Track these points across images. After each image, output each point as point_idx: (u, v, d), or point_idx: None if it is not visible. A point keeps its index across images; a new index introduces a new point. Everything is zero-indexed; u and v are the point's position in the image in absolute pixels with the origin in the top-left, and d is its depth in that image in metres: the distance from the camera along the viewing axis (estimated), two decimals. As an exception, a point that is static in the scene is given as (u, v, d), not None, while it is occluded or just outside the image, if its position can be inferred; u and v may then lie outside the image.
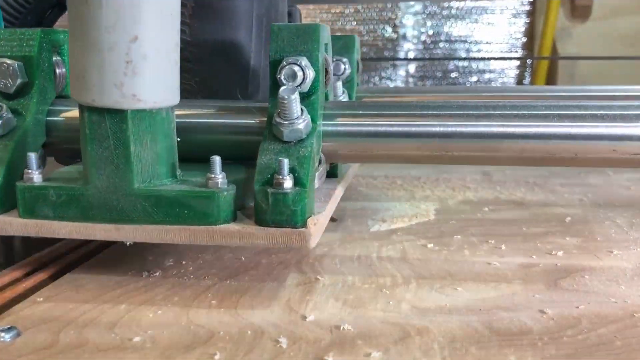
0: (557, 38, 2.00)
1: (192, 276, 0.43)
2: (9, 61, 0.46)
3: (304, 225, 0.39)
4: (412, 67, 2.18)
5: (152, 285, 0.41)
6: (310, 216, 0.39)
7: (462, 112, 0.45)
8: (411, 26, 2.12)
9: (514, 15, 2.12)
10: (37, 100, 0.47)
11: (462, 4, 2.07)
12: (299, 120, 0.41)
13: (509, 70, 2.17)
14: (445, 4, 2.07)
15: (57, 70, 0.48)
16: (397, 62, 2.14)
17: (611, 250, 0.49)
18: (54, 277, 0.43)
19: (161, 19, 0.38)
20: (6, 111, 0.45)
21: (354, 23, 2.14)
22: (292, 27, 0.44)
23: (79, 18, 0.37)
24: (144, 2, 0.37)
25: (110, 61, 0.37)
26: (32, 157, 0.42)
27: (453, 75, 2.15)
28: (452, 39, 2.15)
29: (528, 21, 2.13)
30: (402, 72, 2.20)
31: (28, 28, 0.48)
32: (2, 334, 0.33)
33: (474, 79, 2.11)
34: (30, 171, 0.42)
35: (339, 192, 0.49)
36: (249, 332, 0.34)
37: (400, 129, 0.45)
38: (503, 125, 0.44)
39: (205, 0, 0.48)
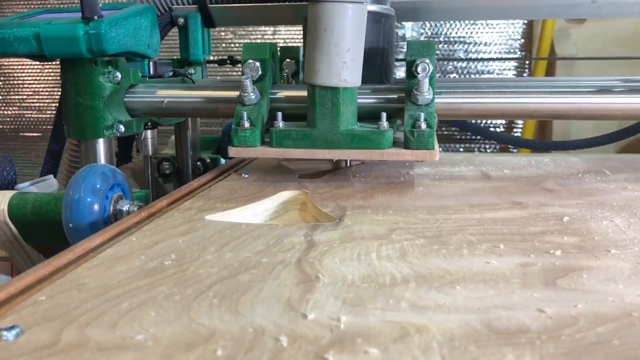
0: (555, 39, 2.00)
1: (193, 275, 0.43)
2: (252, 61, 0.78)
3: (434, 148, 0.71)
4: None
5: (153, 284, 0.42)
6: (434, 143, 0.71)
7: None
8: (410, 27, 2.12)
9: (513, 16, 2.12)
10: (268, 85, 0.79)
11: (462, 3, 2.07)
12: (427, 92, 0.73)
13: (508, 71, 2.17)
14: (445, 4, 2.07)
15: (274, 67, 0.82)
16: (397, 63, 2.14)
17: (609, 250, 0.49)
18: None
19: (359, 39, 0.70)
20: (256, 90, 0.76)
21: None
22: (420, 42, 0.76)
23: (318, 39, 0.69)
24: (351, 33, 0.69)
25: (336, 62, 0.69)
26: (279, 114, 0.74)
27: (452, 76, 2.16)
28: (451, 40, 2.15)
29: (526, 22, 2.14)
30: (401, 73, 2.20)
31: (262, 43, 0.81)
32: (5, 333, 0.34)
33: (473, 79, 2.11)
34: (277, 122, 0.74)
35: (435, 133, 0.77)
36: (250, 330, 0.35)
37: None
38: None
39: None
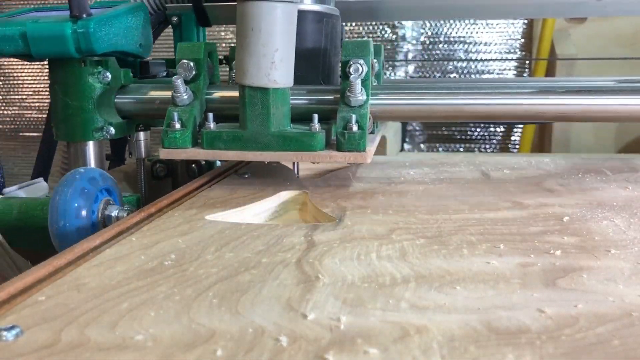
0: (555, 39, 2.00)
1: (193, 275, 0.43)
2: (186, 61, 0.75)
3: (364, 150, 0.69)
4: (411, 68, 2.18)
5: (153, 284, 0.42)
6: (366, 146, 0.69)
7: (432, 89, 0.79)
8: (410, 27, 2.13)
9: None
10: (202, 85, 0.77)
11: (461, 3, 2.07)
12: (359, 94, 0.71)
13: (508, 71, 2.18)
14: (445, 5, 2.07)
15: (210, 67, 0.81)
16: (396, 63, 2.15)
17: (609, 250, 0.49)
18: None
19: (288, 38, 0.68)
20: (189, 90, 0.75)
21: (354, 24, 2.14)
22: (355, 42, 0.74)
23: (246, 38, 0.66)
24: (281, 33, 0.66)
25: (264, 62, 0.67)
26: (210, 115, 0.73)
27: (452, 76, 2.16)
28: (451, 40, 2.15)
29: (526, 22, 2.14)
30: (401, 72, 2.21)
31: (197, 42, 0.87)
32: (4, 333, 0.34)
33: (473, 79, 2.11)
34: (209, 123, 0.72)
35: (377, 139, 0.81)
36: (250, 330, 0.34)
37: (410, 101, 0.78)
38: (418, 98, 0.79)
39: (298, 27, 0.72)
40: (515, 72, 2.16)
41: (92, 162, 0.82)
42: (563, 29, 2.01)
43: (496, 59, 2.15)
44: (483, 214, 0.62)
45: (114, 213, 0.65)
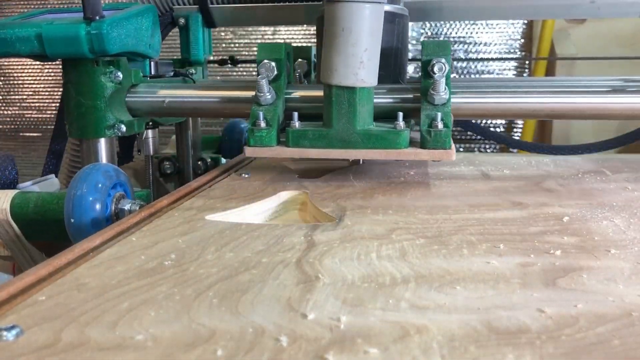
0: (555, 38, 2.00)
1: (193, 275, 0.43)
2: (267, 61, 0.78)
3: (450, 147, 0.71)
4: (410, 68, 2.18)
5: (153, 284, 0.42)
6: (451, 143, 0.71)
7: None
8: (410, 27, 2.12)
9: (513, 16, 2.12)
10: (283, 85, 0.79)
11: (461, 4, 2.07)
12: (443, 92, 0.73)
13: (508, 71, 2.18)
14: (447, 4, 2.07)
15: (288, 67, 0.82)
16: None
17: (609, 250, 0.49)
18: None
19: (376, 38, 0.70)
20: (272, 90, 0.77)
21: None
22: (435, 42, 0.77)
23: (335, 38, 0.68)
24: (369, 33, 0.68)
25: (353, 61, 0.69)
26: (295, 114, 0.75)
27: (452, 76, 2.15)
28: (451, 40, 2.15)
29: (526, 22, 2.14)
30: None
31: (277, 42, 0.81)
32: (5, 333, 0.34)
33: (473, 79, 2.11)
34: (294, 122, 0.74)
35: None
36: (250, 330, 0.35)
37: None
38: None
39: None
40: (515, 72, 2.16)
41: (103, 158, 0.84)
42: (563, 29, 2.01)
43: (496, 59, 2.15)
44: (483, 214, 0.62)
45: (127, 207, 0.67)
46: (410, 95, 0.79)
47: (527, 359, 0.31)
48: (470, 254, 0.48)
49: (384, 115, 0.77)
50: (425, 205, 0.65)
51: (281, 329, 0.35)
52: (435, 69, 0.73)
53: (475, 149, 2.27)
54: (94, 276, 0.43)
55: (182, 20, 1.06)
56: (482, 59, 2.14)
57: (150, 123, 0.92)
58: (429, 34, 2.14)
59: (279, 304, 0.38)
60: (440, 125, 0.70)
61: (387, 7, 0.82)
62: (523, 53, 2.14)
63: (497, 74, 2.16)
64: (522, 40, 2.13)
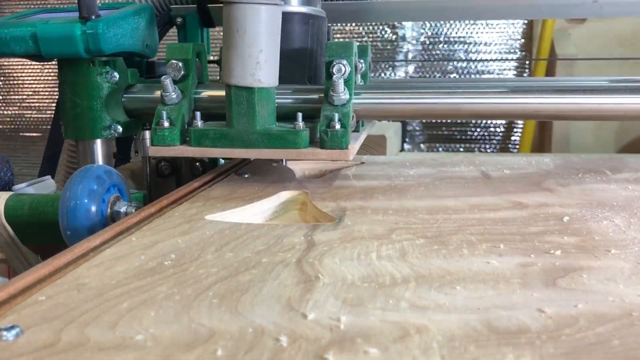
0: (555, 39, 2.00)
1: (193, 275, 0.43)
2: (175, 61, 0.77)
3: (347, 147, 0.71)
4: (411, 68, 2.18)
5: (153, 284, 0.42)
6: (349, 144, 0.71)
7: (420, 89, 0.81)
8: (410, 27, 2.12)
9: (513, 16, 2.13)
10: (191, 84, 0.79)
11: (461, 4, 2.07)
12: (342, 93, 0.73)
13: (508, 72, 2.18)
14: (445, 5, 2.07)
15: (199, 67, 0.82)
16: (396, 63, 2.15)
17: (609, 250, 0.49)
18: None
19: (273, 39, 0.70)
20: (177, 89, 0.76)
21: (354, 24, 2.14)
22: (338, 44, 0.76)
23: (232, 39, 0.69)
24: (265, 35, 0.69)
25: (249, 62, 0.69)
26: (198, 114, 0.75)
27: (452, 76, 2.16)
28: (451, 40, 2.15)
29: (526, 22, 2.14)
30: (401, 73, 2.21)
31: (184, 43, 0.84)
32: (5, 333, 0.34)
33: (473, 79, 2.11)
34: (196, 121, 0.75)
35: (362, 137, 0.83)
36: (250, 330, 0.35)
37: (392, 100, 0.81)
38: (405, 98, 0.81)
39: (284, 28, 0.75)
40: (515, 72, 2.16)
41: (99, 159, 0.84)
42: (563, 29, 2.01)
43: (496, 59, 2.15)
44: (483, 214, 0.62)
45: (123, 209, 0.67)
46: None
47: (527, 359, 0.31)
48: (470, 254, 0.48)
49: (290, 115, 0.76)
50: (425, 205, 0.65)
51: (281, 329, 0.35)
52: (334, 69, 0.73)
53: (475, 149, 2.27)
54: (93, 276, 0.43)
55: (179, 20, 1.05)
56: (482, 60, 2.14)
57: (148, 124, 0.92)
58: (429, 34, 2.14)
59: (278, 303, 0.38)
60: (337, 126, 0.70)
61: (302, 9, 0.84)
62: (523, 53, 2.14)
63: (497, 74, 2.16)
64: (522, 40, 2.13)
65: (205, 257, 0.48)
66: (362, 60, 0.81)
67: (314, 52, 0.85)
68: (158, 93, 0.85)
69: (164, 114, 0.74)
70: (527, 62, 2.14)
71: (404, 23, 2.10)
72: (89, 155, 0.83)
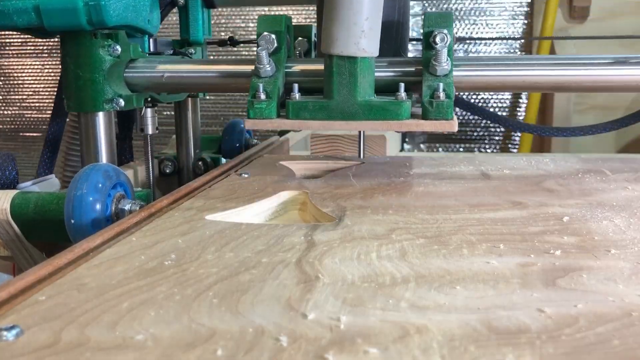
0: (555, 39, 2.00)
1: (193, 275, 0.44)
2: (267, 33, 0.77)
3: (452, 118, 0.71)
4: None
5: (153, 284, 0.42)
6: (453, 114, 0.71)
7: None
8: (410, 27, 2.12)
9: (513, 17, 2.13)
10: (283, 58, 0.79)
11: (461, 4, 2.07)
12: (445, 63, 0.73)
13: (508, 71, 2.17)
14: (445, 5, 2.08)
15: (288, 40, 0.82)
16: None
17: (609, 250, 0.49)
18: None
19: (377, 7, 0.70)
20: (272, 62, 0.77)
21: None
22: (437, 14, 0.76)
23: (336, 6, 0.68)
24: (371, 2, 0.69)
25: (354, 30, 0.68)
26: (295, 86, 0.75)
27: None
28: (451, 39, 2.14)
29: (526, 22, 2.14)
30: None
31: (277, 15, 0.80)
32: (5, 333, 0.34)
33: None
34: (293, 93, 0.75)
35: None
36: (250, 330, 0.35)
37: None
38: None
39: None
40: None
41: (102, 133, 0.84)
42: (563, 28, 2.01)
43: (496, 59, 2.15)
44: (483, 214, 0.62)
45: (127, 207, 0.68)
46: (412, 69, 0.79)
47: (527, 359, 0.31)
48: (470, 254, 0.48)
49: (385, 88, 0.77)
50: (425, 205, 0.65)
51: (281, 329, 0.35)
52: (437, 39, 0.73)
53: (475, 149, 2.27)
54: (94, 276, 0.43)
55: (181, 0, 1.04)
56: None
57: (149, 99, 0.92)
58: (429, 34, 2.14)
59: (279, 303, 0.38)
60: (442, 96, 0.70)
61: None
62: (523, 52, 2.14)
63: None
64: (523, 40, 2.13)
65: (205, 257, 0.48)
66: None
67: (400, 25, 0.85)
68: (160, 67, 0.86)
69: (261, 86, 0.73)
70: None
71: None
72: (91, 129, 0.84)
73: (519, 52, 2.13)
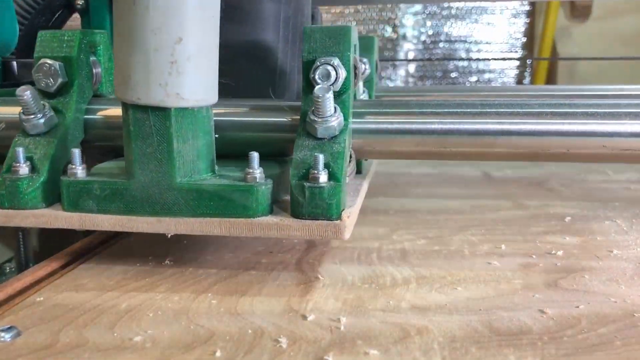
0: (556, 38, 2.00)
1: (192, 276, 0.43)
2: (50, 61, 0.48)
3: (339, 217, 0.41)
4: (411, 67, 2.18)
5: (152, 285, 0.41)
6: (343, 209, 0.42)
7: (461, 110, 0.48)
8: (411, 26, 2.12)
9: (514, 16, 2.12)
10: (77, 99, 0.49)
11: (462, 4, 2.07)
12: (332, 117, 0.44)
13: (509, 71, 2.17)
14: (445, 4, 2.07)
15: (94, 70, 0.51)
16: (397, 62, 2.14)
17: (611, 250, 0.49)
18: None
19: (204, 21, 0.40)
20: (49, 109, 0.47)
21: (354, 23, 2.14)
22: (324, 29, 0.46)
23: (126, 20, 0.39)
24: (188, 6, 0.39)
25: (156, 61, 0.39)
26: (76, 152, 0.44)
27: (453, 75, 2.15)
28: (452, 39, 2.15)
29: (528, 21, 2.13)
30: (402, 72, 2.20)
31: (67, 30, 0.50)
32: (2, 334, 0.33)
33: (474, 79, 2.11)
34: (74, 166, 0.44)
35: (365, 187, 0.51)
36: (249, 331, 0.34)
37: (419, 126, 0.48)
38: (499, 123, 0.47)
39: (234, 2, 0.50)
40: (516, 72, 2.16)
41: None
42: (565, 28, 2.01)
43: (497, 59, 2.15)
44: (484, 214, 0.61)
45: None
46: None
47: (528, 361, 0.31)
48: (471, 255, 0.48)
49: (245, 151, 0.43)
50: (426, 206, 0.65)
51: (281, 330, 0.34)
52: (318, 75, 0.45)
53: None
54: (92, 277, 0.43)
55: (80, 3, 0.75)
56: (483, 59, 2.14)
57: None
58: (430, 33, 2.14)
59: (278, 304, 0.38)
60: (322, 177, 0.41)
61: None
62: (524, 52, 2.14)
63: (498, 73, 2.15)
64: (524, 39, 2.12)
65: (204, 257, 0.47)
66: (364, 59, 0.57)
67: (286, 47, 0.56)
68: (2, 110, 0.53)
69: (20, 152, 0.45)
70: (529, 61, 2.14)
71: (404, 22, 2.10)
72: None
73: (520, 53, 2.13)
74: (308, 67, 0.45)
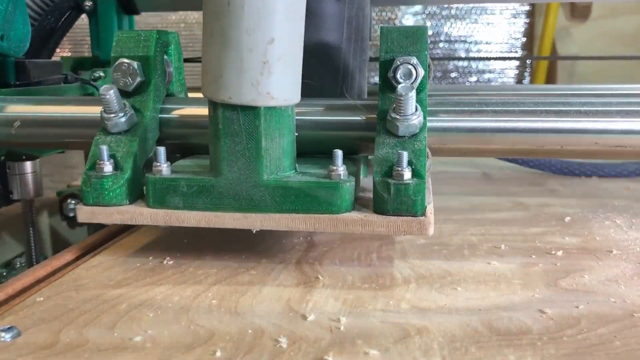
0: (556, 37, 2.00)
1: (192, 276, 0.43)
2: (128, 61, 0.49)
3: (424, 214, 0.42)
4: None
5: (152, 285, 0.41)
6: (427, 205, 0.43)
7: (459, 108, 0.50)
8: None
9: (514, 15, 2.12)
10: (153, 98, 0.50)
11: (461, 4, 2.07)
12: (413, 116, 0.44)
13: (509, 70, 2.17)
14: (445, 4, 2.07)
15: (167, 69, 0.52)
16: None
17: (611, 250, 0.49)
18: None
19: (293, 22, 0.42)
20: (129, 108, 0.48)
21: (354, 23, 2.13)
22: (402, 29, 0.48)
23: (219, 20, 0.40)
24: (280, 7, 0.40)
25: (249, 61, 0.40)
26: (161, 150, 0.45)
27: (453, 75, 2.15)
28: (452, 39, 2.15)
29: (527, 21, 2.13)
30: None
31: (143, 30, 0.51)
32: (2, 334, 0.33)
33: (474, 79, 2.11)
34: (159, 164, 0.45)
35: (430, 183, 0.50)
36: (249, 331, 0.34)
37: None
38: (495, 120, 0.49)
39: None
40: (516, 71, 2.16)
41: None
42: (565, 27, 2.00)
43: (497, 58, 2.15)
44: (484, 214, 0.61)
45: None
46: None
47: (528, 361, 0.31)
48: (471, 255, 0.48)
49: (318, 150, 0.49)
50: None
51: (281, 330, 0.34)
52: (400, 73, 0.46)
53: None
54: (92, 277, 0.43)
55: (88, 4, 0.77)
56: (483, 58, 2.14)
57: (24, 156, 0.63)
58: (430, 33, 2.14)
59: (278, 304, 0.38)
60: (406, 174, 0.42)
61: None
62: (524, 52, 2.14)
63: (498, 72, 2.15)
64: (524, 39, 2.12)
65: (204, 257, 0.47)
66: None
67: (349, 46, 0.56)
68: (11, 109, 0.54)
69: (104, 150, 0.45)
70: (528, 61, 2.13)
71: (404, 22, 2.10)
72: None
73: (520, 52, 2.13)
74: (386, 66, 0.46)
